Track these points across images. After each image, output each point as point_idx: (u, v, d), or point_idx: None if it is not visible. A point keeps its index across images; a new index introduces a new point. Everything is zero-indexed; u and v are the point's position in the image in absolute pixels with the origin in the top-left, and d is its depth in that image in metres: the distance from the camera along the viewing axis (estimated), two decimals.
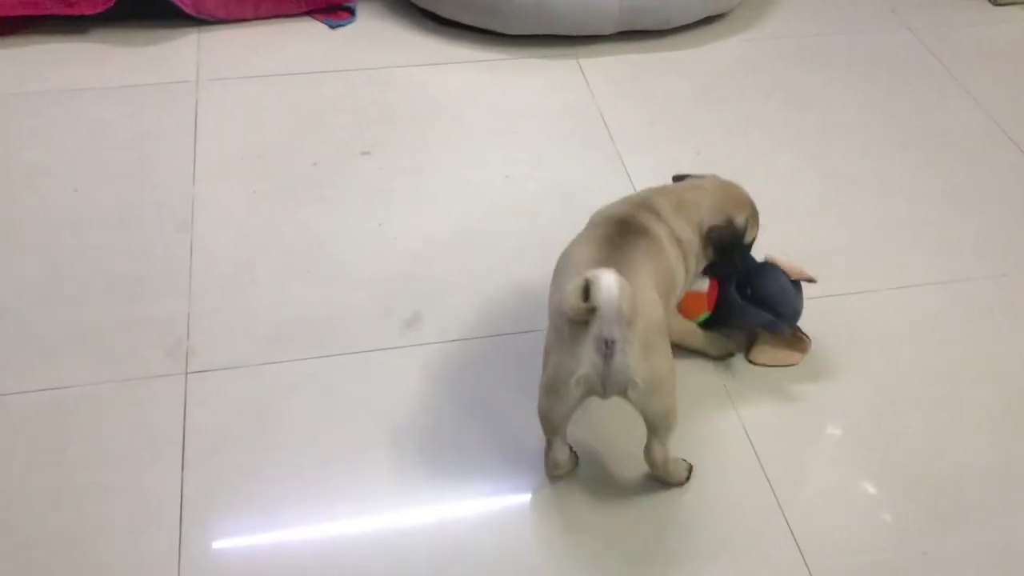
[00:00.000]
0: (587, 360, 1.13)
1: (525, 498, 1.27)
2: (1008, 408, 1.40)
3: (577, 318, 1.12)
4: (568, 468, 1.27)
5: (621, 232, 1.27)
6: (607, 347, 1.12)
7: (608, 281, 1.09)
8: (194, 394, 1.35)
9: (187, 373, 1.37)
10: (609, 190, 1.71)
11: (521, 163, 1.77)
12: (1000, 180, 1.81)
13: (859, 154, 1.85)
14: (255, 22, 2.08)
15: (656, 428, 1.21)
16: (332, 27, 2.10)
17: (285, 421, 1.33)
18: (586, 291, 1.09)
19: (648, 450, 1.24)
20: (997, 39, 2.20)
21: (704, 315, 1.43)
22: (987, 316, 1.54)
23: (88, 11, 1.97)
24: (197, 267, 1.54)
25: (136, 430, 1.30)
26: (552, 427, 1.22)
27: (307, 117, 1.85)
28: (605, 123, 1.87)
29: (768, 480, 1.29)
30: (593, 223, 1.33)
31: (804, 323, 1.42)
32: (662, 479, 1.27)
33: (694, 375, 1.41)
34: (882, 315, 1.53)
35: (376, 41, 2.07)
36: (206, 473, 1.26)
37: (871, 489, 1.29)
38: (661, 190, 1.38)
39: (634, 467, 1.28)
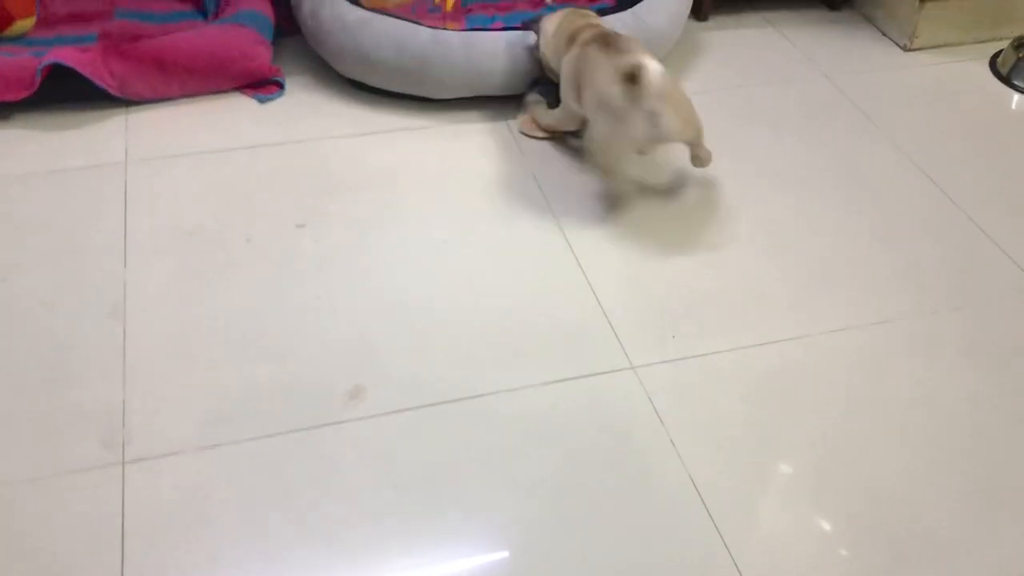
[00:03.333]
0: (642, 123, 1.60)
1: (484, 566, 1.25)
2: (948, 443, 1.43)
3: (626, 99, 1.56)
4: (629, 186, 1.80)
5: (606, 41, 1.71)
6: (655, 118, 1.58)
7: (652, 66, 1.57)
8: (132, 484, 1.31)
9: (124, 463, 1.34)
10: (545, 249, 1.74)
11: (457, 228, 1.79)
12: (923, 218, 1.86)
13: (785, 200, 1.89)
14: (182, 100, 2.08)
15: (696, 144, 1.75)
16: (261, 102, 2.10)
17: (229, 507, 1.30)
18: (631, 76, 1.56)
19: (696, 158, 1.78)
20: (909, 82, 2.29)
21: None
22: (921, 351, 1.58)
23: (11, 98, 1.94)
24: (131, 351, 1.51)
25: (73, 526, 1.26)
26: (613, 168, 1.77)
27: (239, 192, 1.84)
28: (537, 183, 1.90)
29: (715, 525, 1.29)
30: (576, 40, 1.79)
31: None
32: (704, 164, 1.80)
33: (638, 432, 1.42)
34: (820, 356, 1.56)
35: (306, 114, 2.07)
36: (148, 567, 1.22)
37: (825, 527, 1.31)
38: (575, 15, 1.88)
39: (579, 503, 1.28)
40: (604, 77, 1.65)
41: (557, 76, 1.92)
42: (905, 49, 2.40)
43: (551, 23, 1.94)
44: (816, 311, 1.64)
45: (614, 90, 1.61)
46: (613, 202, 1.83)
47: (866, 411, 1.47)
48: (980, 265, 1.76)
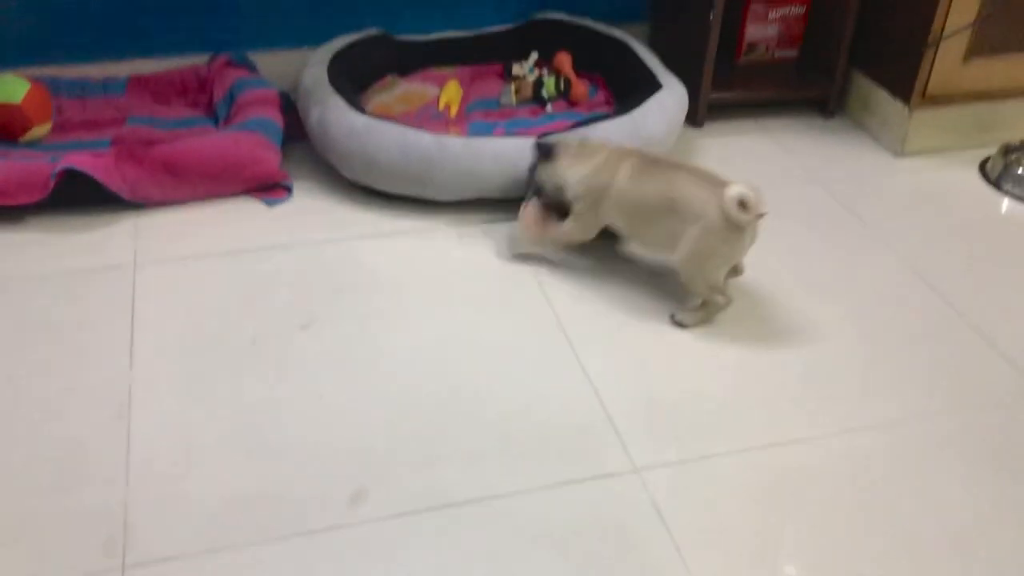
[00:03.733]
0: (749, 242, 1.78)
1: None
2: (950, 546, 1.42)
3: (747, 222, 1.72)
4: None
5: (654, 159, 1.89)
6: (755, 231, 1.77)
7: (750, 192, 1.71)
8: None
9: (124, 567, 1.33)
10: (548, 349, 1.76)
11: (460, 329, 1.81)
12: (919, 321, 1.89)
13: (781, 302, 1.92)
14: (192, 203, 2.13)
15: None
16: (269, 205, 2.15)
17: None
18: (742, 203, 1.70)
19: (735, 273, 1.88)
20: (901, 188, 2.35)
21: None
22: (921, 454, 1.58)
23: (25, 201, 1.99)
24: (135, 454, 1.51)
25: None
26: (721, 287, 1.82)
27: (245, 294, 1.87)
28: (539, 283, 1.93)
29: None
30: (638, 163, 1.87)
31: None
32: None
33: (642, 535, 1.41)
34: (823, 459, 1.56)
35: (312, 217, 2.12)
36: None
37: None
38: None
39: None
40: (710, 208, 1.74)
41: (561, 201, 1.93)
42: (896, 155, 2.47)
43: (575, 157, 1.91)
44: (817, 414, 1.65)
45: (720, 217, 1.73)
46: (712, 314, 1.84)
47: (870, 514, 1.47)
48: (978, 368, 1.77)
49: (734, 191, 1.71)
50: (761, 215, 1.73)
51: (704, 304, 1.83)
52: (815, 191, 2.31)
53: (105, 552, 1.35)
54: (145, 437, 1.54)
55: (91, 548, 1.36)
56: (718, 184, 1.75)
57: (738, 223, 1.72)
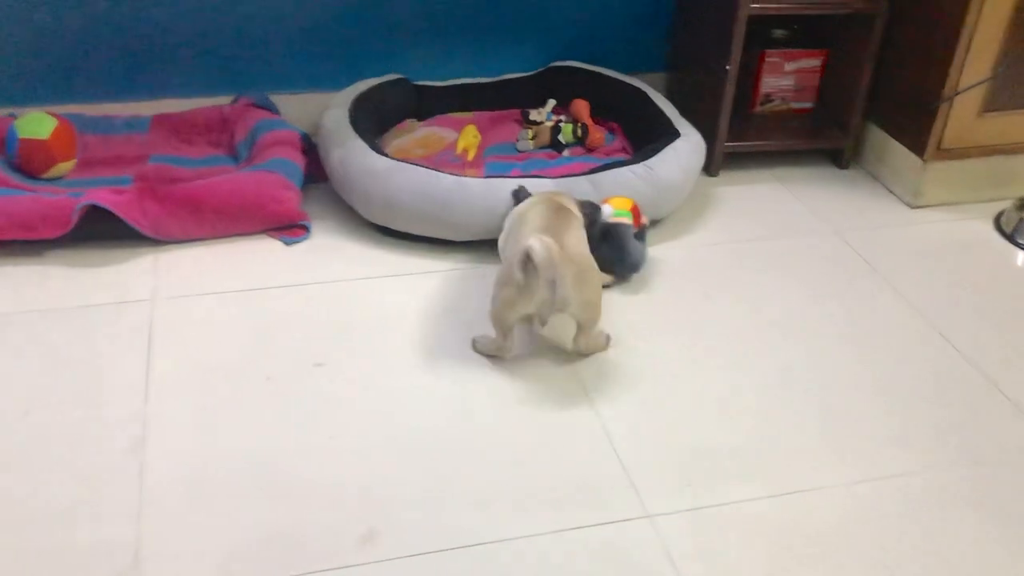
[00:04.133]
0: (544, 291, 1.65)
1: None
2: None
3: (524, 280, 1.65)
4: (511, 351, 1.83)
5: (555, 211, 1.82)
6: (553, 284, 1.64)
7: (537, 246, 1.62)
8: None
9: None
10: (561, 393, 1.76)
11: (475, 370, 1.81)
12: (933, 371, 1.88)
13: (797, 351, 1.92)
14: (212, 241, 2.15)
15: (583, 327, 1.80)
16: (287, 244, 2.17)
17: None
18: (527, 257, 1.63)
19: (575, 340, 1.83)
20: (916, 238, 2.35)
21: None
22: (935, 505, 1.56)
23: (47, 235, 2.02)
24: (147, 489, 1.51)
25: None
26: (506, 328, 1.78)
27: (261, 332, 1.88)
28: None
29: None
30: (532, 202, 1.90)
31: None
32: (586, 353, 1.85)
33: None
34: (835, 508, 1.55)
35: (330, 256, 2.14)
36: None
37: None
38: (558, 193, 1.95)
39: None
40: (521, 239, 1.71)
41: None
42: (911, 206, 2.48)
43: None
44: (830, 463, 1.64)
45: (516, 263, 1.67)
46: (483, 350, 1.85)
47: (882, 566, 1.45)
48: (992, 418, 1.76)
49: (528, 243, 1.64)
50: (550, 280, 1.64)
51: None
52: (829, 240, 2.32)
53: None
54: (158, 473, 1.54)
55: None
56: (555, 234, 1.70)
57: (509, 274, 1.68)
